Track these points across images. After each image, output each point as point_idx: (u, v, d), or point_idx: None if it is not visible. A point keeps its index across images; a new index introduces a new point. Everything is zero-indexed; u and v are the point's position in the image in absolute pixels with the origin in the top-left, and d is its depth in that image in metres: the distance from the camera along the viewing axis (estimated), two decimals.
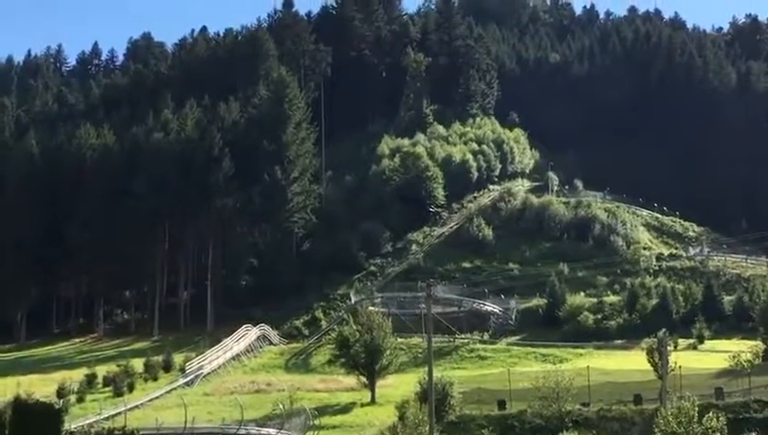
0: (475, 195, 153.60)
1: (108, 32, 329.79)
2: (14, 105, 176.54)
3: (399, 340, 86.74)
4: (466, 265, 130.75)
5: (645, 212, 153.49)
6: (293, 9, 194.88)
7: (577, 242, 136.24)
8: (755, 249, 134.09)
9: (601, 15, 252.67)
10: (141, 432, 47.53)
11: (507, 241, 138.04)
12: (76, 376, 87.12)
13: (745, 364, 71.96)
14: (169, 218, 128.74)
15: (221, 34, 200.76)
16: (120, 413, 65.64)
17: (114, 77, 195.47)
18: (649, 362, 66.14)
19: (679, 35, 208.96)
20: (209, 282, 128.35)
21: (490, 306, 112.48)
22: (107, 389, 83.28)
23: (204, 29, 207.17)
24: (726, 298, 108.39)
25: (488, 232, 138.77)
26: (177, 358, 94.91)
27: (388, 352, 78.08)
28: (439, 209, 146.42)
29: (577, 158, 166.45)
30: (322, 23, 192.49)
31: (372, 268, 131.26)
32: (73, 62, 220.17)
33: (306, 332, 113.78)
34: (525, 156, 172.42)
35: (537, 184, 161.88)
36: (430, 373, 51.85)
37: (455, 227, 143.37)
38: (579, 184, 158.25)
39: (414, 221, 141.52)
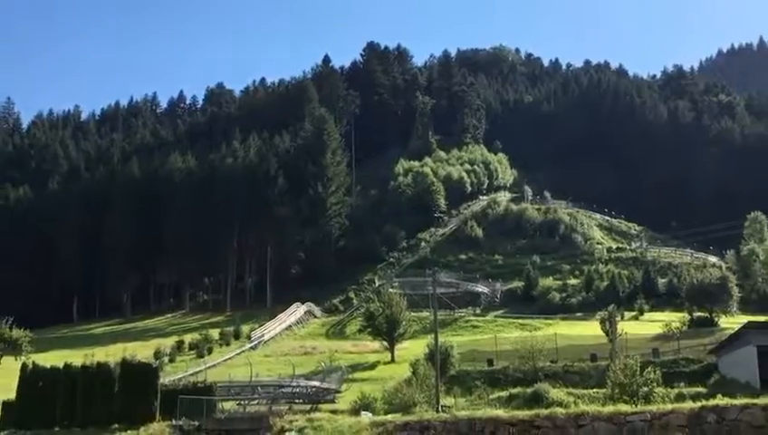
0: (469, 203, 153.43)
1: (191, 82, 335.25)
2: (120, 138, 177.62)
3: (412, 314, 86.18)
4: (462, 256, 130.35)
5: (598, 216, 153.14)
6: (330, 64, 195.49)
7: (546, 239, 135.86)
8: (682, 243, 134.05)
9: (563, 66, 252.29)
10: (218, 385, 47.36)
11: (493, 238, 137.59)
12: (168, 342, 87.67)
13: (675, 331, 71.57)
14: (238, 223, 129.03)
15: (276, 83, 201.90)
16: (201, 370, 65.77)
17: (195, 117, 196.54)
18: (602, 329, 66.02)
19: (623, 81, 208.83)
20: (268, 271, 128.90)
21: (481, 288, 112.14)
22: (191, 352, 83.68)
23: (263, 80, 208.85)
24: (660, 281, 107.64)
25: (479, 231, 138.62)
26: (245, 328, 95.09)
27: (403, 323, 78.02)
28: (442, 215, 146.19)
29: (546, 175, 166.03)
30: (352, 74, 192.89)
31: (391, 260, 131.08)
32: (165, 106, 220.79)
33: (342, 308, 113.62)
34: (506, 174, 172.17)
35: (516, 195, 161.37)
36: (436, 339, 51.78)
37: (453, 228, 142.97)
38: (547, 195, 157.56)
39: (423, 224, 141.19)
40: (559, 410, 36.02)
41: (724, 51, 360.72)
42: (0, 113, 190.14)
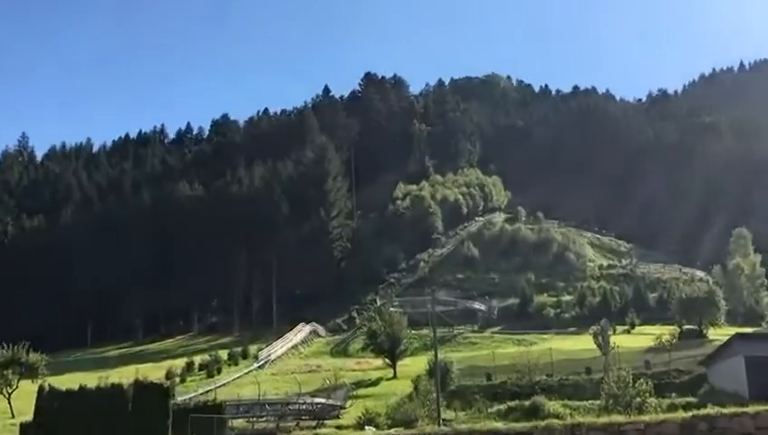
0: (465, 224, 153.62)
1: (197, 113, 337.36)
2: (130, 168, 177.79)
3: (412, 331, 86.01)
4: (460, 275, 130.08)
5: (589, 234, 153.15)
6: (330, 93, 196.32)
7: (540, 257, 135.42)
8: (670, 260, 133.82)
9: (553, 92, 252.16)
10: (227, 403, 47.20)
11: (489, 257, 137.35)
12: (179, 363, 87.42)
13: (665, 343, 71.32)
14: (245, 248, 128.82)
15: (278, 113, 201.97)
16: (211, 390, 65.53)
17: (202, 146, 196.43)
18: (595, 343, 65.75)
19: (610, 105, 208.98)
20: (274, 292, 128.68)
21: (478, 305, 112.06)
22: (201, 372, 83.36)
23: (266, 110, 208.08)
24: (650, 295, 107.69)
25: (475, 251, 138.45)
26: (252, 348, 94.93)
27: (404, 340, 77.68)
28: (439, 236, 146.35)
29: (538, 196, 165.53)
30: (351, 103, 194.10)
31: (392, 280, 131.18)
32: (173, 136, 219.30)
33: (345, 327, 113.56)
34: (501, 195, 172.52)
35: (510, 216, 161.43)
36: (435, 355, 51.60)
37: (451, 248, 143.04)
38: (540, 215, 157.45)
39: (421, 245, 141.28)
40: (555, 421, 35.84)
41: (706, 74, 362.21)
42: (15, 147, 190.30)
